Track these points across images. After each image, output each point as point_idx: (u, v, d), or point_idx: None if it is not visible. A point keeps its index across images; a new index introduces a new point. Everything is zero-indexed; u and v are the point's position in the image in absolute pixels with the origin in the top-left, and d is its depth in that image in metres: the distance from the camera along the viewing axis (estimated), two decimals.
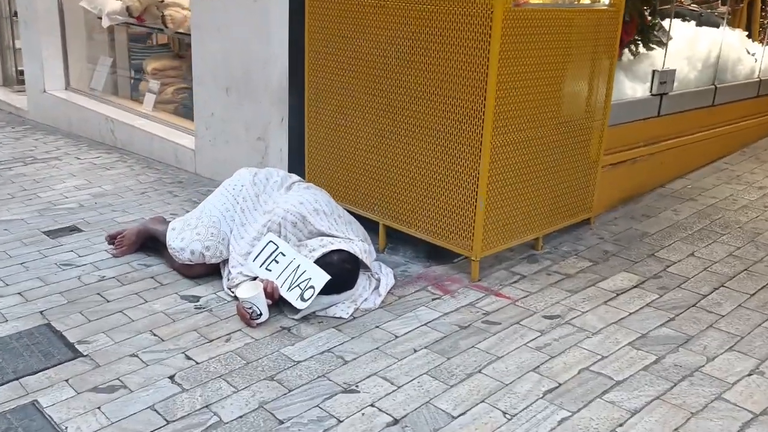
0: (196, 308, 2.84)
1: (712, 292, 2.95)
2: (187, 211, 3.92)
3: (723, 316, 2.76)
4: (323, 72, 3.43)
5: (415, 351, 2.50)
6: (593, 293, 2.93)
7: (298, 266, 2.76)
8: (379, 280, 2.92)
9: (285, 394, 2.26)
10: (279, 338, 2.60)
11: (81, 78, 6.37)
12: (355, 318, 2.75)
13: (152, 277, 3.12)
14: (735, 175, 4.52)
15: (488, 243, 2.99)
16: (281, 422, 2.11)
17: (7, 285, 3.02)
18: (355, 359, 2.45)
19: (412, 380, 2.32)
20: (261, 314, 2.68)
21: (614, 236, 3.54)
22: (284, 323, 2.72)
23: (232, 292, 2.91)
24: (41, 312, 2.80)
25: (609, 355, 2.46)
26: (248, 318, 2.67)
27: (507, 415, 2.14)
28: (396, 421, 2.12)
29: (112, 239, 3.43)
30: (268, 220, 2.95)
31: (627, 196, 4.00)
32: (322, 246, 2.81)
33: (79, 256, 3.34)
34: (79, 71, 6.39)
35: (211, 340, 2.59)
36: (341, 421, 2.12)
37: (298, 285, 2.72)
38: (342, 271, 2.74)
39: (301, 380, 2.33)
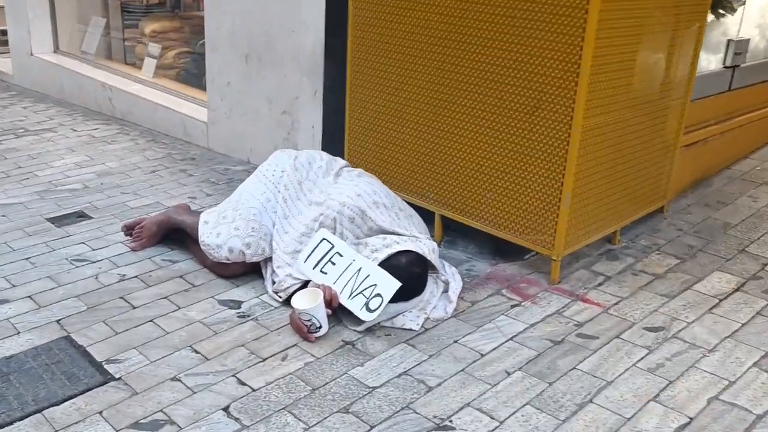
0: (239, 316, 2.47)
1: None
2: (207, 195, 3.54)
3: None
4: (371, 42, 3.02)
5: (509, 374, 2.16)
6: (692, 298, 2.60)
7: (360, 269, 2.39)
8: (447, 283, 2.57)
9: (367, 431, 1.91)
10: (344, 356, 2.25)
11: (71, 40, 5.87)
12: (426, 329, 2.40)
13: (181, 277, 2.74)
14: None
15: (570, 240, 2.64)
16: None
17: (14, 286, 2.63)
18: (439, 385, 2.11)
19: (514, 413, 1.98)
20: (320, 327, 2.31)
21: (693, 227, 3.20)
22: (345, 336, 2.36)
23: (279, 297, 2.54)
24: (58, 321, 2.41)
25: (736, 380, 2.13)
26: (306, 331, 2.31)
27: None
28: None
29: (128, 230, 3.03)
30: (319, 213, 2.57)
31: (696, 180, 3.66)
32: (387, 246, 2.44)
33: (93, 250, 2.94)
34: (68, 33, 5.89)
35: (265, 359, 2.23)
36: None
37: (361, 292, 2.35)
38: (411, 276, 2.38)
39: (382, 413, 1.98)
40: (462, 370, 2.17)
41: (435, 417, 1.97)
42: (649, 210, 3.15)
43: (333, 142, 3.47)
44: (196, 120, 4.41)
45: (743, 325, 2.43)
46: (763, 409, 2.01)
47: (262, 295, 2.61)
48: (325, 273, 2.46)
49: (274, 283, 2.62)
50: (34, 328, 2.37)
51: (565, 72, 2.43)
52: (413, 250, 2.41)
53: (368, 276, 2.36)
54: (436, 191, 2.95)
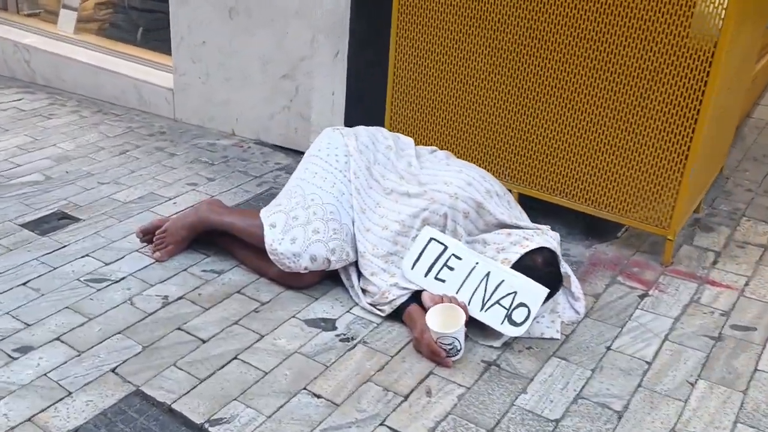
0: (342, 340, 2.06)
1: None
2: (209, 179, 3.03)
3: None
4: None
5: (692, 385, 1.91)
6: None
7: (489, 274, 2.05)
8: (568, 278, 2.27)
9: None
10: (496, 381, 1.91)
11: None
12: (566, 336, 2.11)
13: (240, 293, 2.28)
14: None
15: (680, 216, 2.41)
16: None
17: (29, 325, 2.08)
18: (626, 408, 1.83)
19: None
20: (461, 350, 1.96)
21: (759, 186, 3.09)
22: (482, 355, 2.02)
23: (382, 311, 2.15)
24: (113, 370, 1.92)
25: None
26: (444, 356, 1.95)
27: None
28: None
29: (146, 235, 2.49)
30: (422, 208, 2.18)
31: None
32: (514, 243, 2.10)
33: (105, 264, 2.40)
34: None
35: (406, 396, 1.85)
36: None
37: (497, 302, 2.01)
38: (549, 278, 2.06)
39: None
40: (640, 386, 1.90)
41: None
42: (717, 171, 2.98)
43: (361, 111, 3.03)
44: (157, 86, 3.78)
45: None
46: None
47: (352, 308, 2.21)
48: (443, 281, 2.09)
49: (364, 292, 2.22)
50: (87, 384, 1.86)
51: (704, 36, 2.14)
52: (545, 246, 2.09)
53: (502, 282, 2.02)
54: (514, 167, 2.61)
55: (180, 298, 2.24)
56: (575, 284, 2.25)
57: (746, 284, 2.37)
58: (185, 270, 2.38)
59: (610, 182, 2.44)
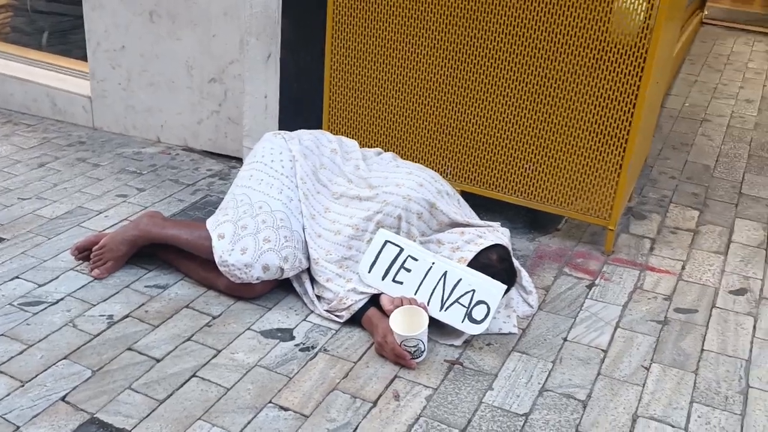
0: (302, 350, 2.03)
1: None
2: (140, 190, 2.94)
3: None
4: None
5: (647, 369, 1.99)
6: (742, 253, 2.60)
7: (446, 273, 2.06)
8: (519, 272, 2.31)
9: None
10: (461, 380, 1.93)
11: None
12: (523, 330, 2.14)
13: (188, 307, 2.20)
14: (710, 88, 4.43)
15: (619, 206, 2.49)
16: None
17: None
18: (590, 397, 1.88)
19: (688, 416, 1.82)
20: (424, 351, 1.96)
21: (681, 173, 3.23)
22: (443, 354, 2.03)
23: (339, 317, 2.13)
24: (63, 399, 1.81)
25: None
26: (409, 358, 1.94)
27: None
28: None
29: (82, 253, 2.37)
30: (375, 211, 2.16)
31: None
32: (468, 242, 2.12)
33: (39, 286, 2.27)
34: None
35: (375, 402, 1.84)
36: None
37: (456, 301, 2.03)
38: (504, 274, 2.09)
39: None
40: (599, 374, 1.96)
41: None
42: (644, 160, 3.11)
43: (296, 114, 2.99)
44: (73, 94, 3.61)
45: None
46: None
47: (308, 316, 2.18)
48: (401, 283, 2.08)
49: (320, 299, 2.19)
50: (36, 416, 1.76)
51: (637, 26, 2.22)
52: (498, 242, 2.12)
53: (460, 281, 2.04)
54: (456, 166, 2.64)
55: (126, 316, 2.14)
56: (526, 278, 2.30)
57: (683, 268, 2.48)
58: (128, 287, 2.28)
59: (551, 176, 2.50)
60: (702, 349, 2.08)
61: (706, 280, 2.42)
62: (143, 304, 2.20)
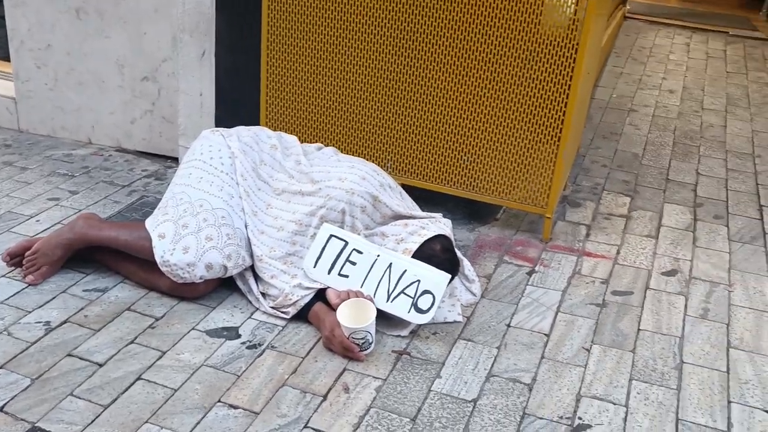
0: (249, 348, 2.01)
1: (759, 211, 2.93)
2: (72, 192, 2.87)
3: None
4: None
5: (588, 350, 2.05)
6: (671, 236, 2.71)
7: (391, 265, 2.08)
8: (461, 261, 2.34)
9: None
10: (410, 370, 1.95)
11: None
12: (467, 318, 2.18)
13: (130, 309, 2.16)
14: (635, 79, 4.58)
15: (555, 194, 2.56)
16: None
17: None
18: (535, 380, 1.93)
19: (628, 393, 1.89)
20: (372, 343, 1.98)
21: (612, 161, 3.34)
22: (391, 345, 2.05)
23: (286, 313, 2.12)
24: (2, 410, 1.76)
25: None
26: (357, 351, 1.95)
27: None
28: None
29: (14, 258, 2.30)
30: (318, 206, 2.16)
31: None
32: (412, 233, 2.14)
33: None
34: None
35: (325, 396, 1.84)
36: None
37: (402, 292, 2.05)
38: (448, 263, 2.13)
39: (506, 427, 1.75)
40: (543, 357, 2.01)
41: (561, 418, 1.80)
42: (576, 150, 3.20)
43: (233, 111, 2.95)
44: None
45: (729, 254, 2.60)
46: None
47: (253, 314, 2.16)
48: (347, 276, 2.09)
49: (265, 296, 2.17)
50: None
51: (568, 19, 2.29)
52: (441, 233, 2.15)
53: (405, 272, 2.06)
54: (395, 159, 2.66)
55: (64, 322, 2.08)
56: (468, 267, 2.34)
57: (618, 252, 2.57)
58: (64, 292, 2.22)
59: (488, 167, 2.55)
60: (638, 329, 2.16)
61: (639, 263, 2.51)
62: (82, 309, 2.14)
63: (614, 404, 1.86)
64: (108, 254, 2.29)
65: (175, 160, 3.18)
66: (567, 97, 2.38)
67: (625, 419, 1.81)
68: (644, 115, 3.96)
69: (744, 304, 2.31)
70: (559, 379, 1.94)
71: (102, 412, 1.76)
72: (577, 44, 2.30)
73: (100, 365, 1.92)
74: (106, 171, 3.08)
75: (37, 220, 2.63)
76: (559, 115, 2.40)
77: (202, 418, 1.75)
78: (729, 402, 1.89)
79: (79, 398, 1.79)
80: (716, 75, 4.78)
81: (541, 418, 1.80)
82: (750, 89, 4.52)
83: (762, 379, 1.98)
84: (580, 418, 1.80)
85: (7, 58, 3.43)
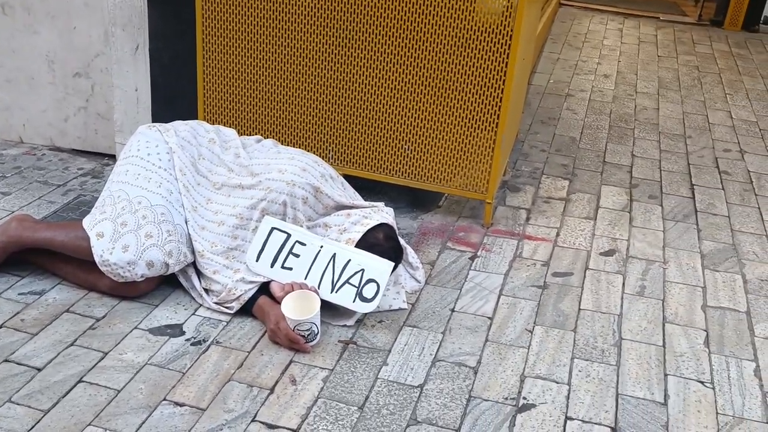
0: (193, 344, 1.99)
1: (691, 190, 3.02)
2: (2, 194, 2.76)
3: (725, 215, 2.85)
4: None
5: (531, 332, 2.09)
6: (609, 216, 2.78)
7: (334, 256, 2.08)
8: (404, 249, 2.36)
9: None
10: (356, 359, 1.96)
11: None
12: (412, 305, 2.20)
13: (69, 311, 2.11)
14: (572, 65, 4.67)
15: (494, 180, 2.60)
16: None
17: None
18: (480, 363, 1.96)
19: (570, 371, 1.94)
20: (318, 334, 1.98)
21: (550, 146, 3.40)
22: (338, 335, 2.05)
23: (229, 308, 2.10)
24: None
25: (705, 285, 2.36)
26: (302, 343, 1.95)
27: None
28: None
29: None
30: (259, 199, 2.15)
31: None
32: (355, 223, 2.14)
33: None
34: None
35: (272, 389, 1.84)
36: None
37: (346, 282, 2.06)
38: (392, 252, 2.14)
39: (452, 411, 1.78)
40: (487, 340, 2.05)
41: (507, 399, 1.83)
42: (515, 135, 3.24)
43: (170, 105, 2.90)
44: None
45: (663, 232, 2.68)
46: (743, 306, 2.26)
47: (197, 310, 2.13)
48: (290, 269, 2.08)
49: (208, 292, 2.15)
50: None
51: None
52: (384, 222, 2.16)
53: (349, 261, 2.06)
54: (336, 149, 2.65)
55: (1, 327, 2.02)
56: (411, 254, 2.35)
57: (557, 235, 2.63)
58: (0, 296, 2.15)
59: (429, 155, 2.57)
60: (579, 309, 2.21)
61: (578, 244, 2.57)
62: (18, 313, 2.08)
63: (557, 383, 1.90)
64: (44, 256, 2.22)
65: (113, 157, 3.11)
66: (503, 84, 2.41)
67: (568, 397, 1.85)
68: (581, 99, 4.04)
69: (678, 280, 2.39)
70: (503, 361, 1.97)
71: (42, 417, 1.71)
72: (512, 31, 2.34)
73: (39, 369, 1.87)
74: (40, 171, 2.99)
75: None
76: (497, 102, 2.44)
77: (148, 417, 1.73)
78: (665, 375, 1.95)
79: (18, 404, 1.75)
80: (648, 59, 4.90)
81: (486, 400, 1.83)
82: (680, 72, 4.66)
83: (696, 352, 2.05)
84: (524, 398, 1.84)
85: None
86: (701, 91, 4.31)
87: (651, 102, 4.08)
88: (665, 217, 2.80)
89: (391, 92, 2.51)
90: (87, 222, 2.13)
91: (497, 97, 2.43)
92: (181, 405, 1.77)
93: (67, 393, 1.79)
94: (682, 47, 5.29)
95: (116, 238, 2.06)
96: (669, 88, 4.33)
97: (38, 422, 1.70)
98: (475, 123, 2.48)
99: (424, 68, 2.45)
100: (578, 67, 4.62)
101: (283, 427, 1.72)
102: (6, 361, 1.89)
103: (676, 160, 3.32)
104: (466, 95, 2.45)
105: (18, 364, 1.88)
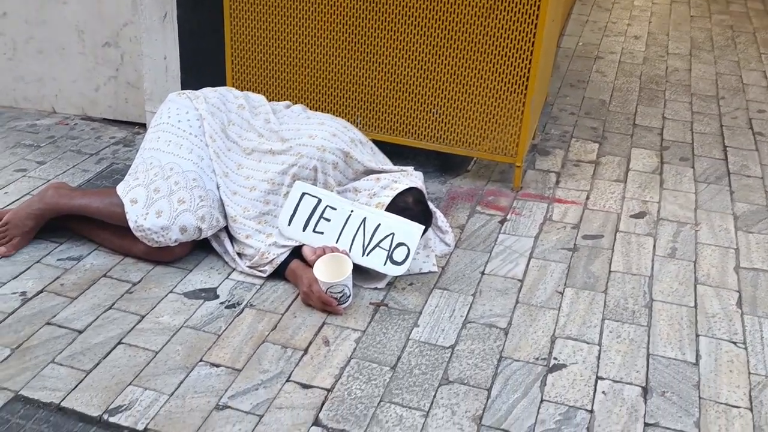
0: (228, 307, 2.03)
1: (724, 152, 2.98)
2: (39, 163, 2.84)
3: (758, 176, 2.81)
4: None
5: (561, 294, 2.10)
6: (639, 179, 2.75)
7: (365, 220, 2.09)
8: (434, 213, 2.36)
9: (491, 399, 1.73)
10: (388, 321, 1.98)
11: None
12: (442, 268, 2.21)
13: (106, 276, 2.15)
14: (601, 26, 4.59)
15: (524, 143, 2.58)
16: None
17: None
18: (510, 324, 1.97)
19: (601, 332, 1.94)
20: (350, 296, 2.00)
21: (580, 109, 3.37)
22: (369, 297, 2.08)
23: (263, 271, 2.14)
24: None
25: (738, 247, 2.35)
26: (336, 305, 1.98)
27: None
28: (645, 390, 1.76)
29: None
30: (290, 165, 2.16)
31: None
32: (385, 187, 2.15)
33: None
34: None
35: (305, 350, 1.87)
36: (592, 412, 1.69)
37: (377, 245, 2.07)
38: (421, 215, 2.15)
39: (483, 371, 1.80)
40: (517, 302, 2.06)
41: (537, 359, 1.85)
42: (544, 98, 3.21)
43: (199, 73, 2.91)
44: None
45: (695, 194, 2.66)
46: None
47: (230, 274, 2.17)
48: (321, 233, 2.11)
49: (241, 256, 2.18)
50: None
51: None
52: (413, 186, 2.16)
53: (379, 225, 2.08)
54: (365, 114, 2.65)
55: (40, 291, 2.07)
56: (441, 219, 2.36)
57: (587, 198, 2.61)
58: (38, 262, 2.20)
59: (457, 119, 2.56)
60: (609, 271, 2.21)
61: (609, 207, 2.56)
62: (58, 278, 2.13)
63: (588, 343, 1.91)
64: (80, 222, 2.27)
65: (143, 126, 3.14)
66: (532, 46, 2.38)
67: (598, 357, 1.86)
68: (611, 61, 3.98)
69: (710, 242, 2.37)
70: (534, 323, 1.98)
71: (84, 377, 1.77)
72: None
73: (80, 332, 1.92)
74: (73, 140, 3.04)
75: (5, 192, 2.60)
76: (526, 64, 2.41)
77: (185, 377, 1.77)
78: (697, 335, 1.95)
79: (61, 365, 1.80)
80: (680, 20, 4.80)
81: (517, 360, 1.85)
82: (713, 32, 4.56)
83: (728, 313, 2.04)
84: (555, 359, 1.85)
85: None
86: (735, 51, 4.22)
87: (683, 63, 4.00)
88: (697, 179, 2.77)
89: (420, 56, 2.50)
90: (121, 189, 2.17)
91: (526, 60, 2.41)
92: (218, 366, 1.81)
93: (108, 354, 1.84)
94: (715, 6, 5.16)
95: (150, 203, 2.10)
96: (702, 49, 4.24)
97: (81, 382, 1.75)
98: (505, 86, 2.46)
99: (452, 31, 2.43)
100: (608, 29, 4.54)
101: (318, 387, 1.75)
102: (48, 324, 1.94)
103: (708, 122, 3.27)
104: (495, 57, 2.43)
105: (60, 326, 1.94)
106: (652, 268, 2.22)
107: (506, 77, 2.45)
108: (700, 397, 1.75)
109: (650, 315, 2.02)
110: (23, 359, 1.82)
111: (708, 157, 2.95)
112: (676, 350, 1.89)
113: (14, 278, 2.12)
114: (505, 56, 2.42)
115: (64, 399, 1.70)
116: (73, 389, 1.73)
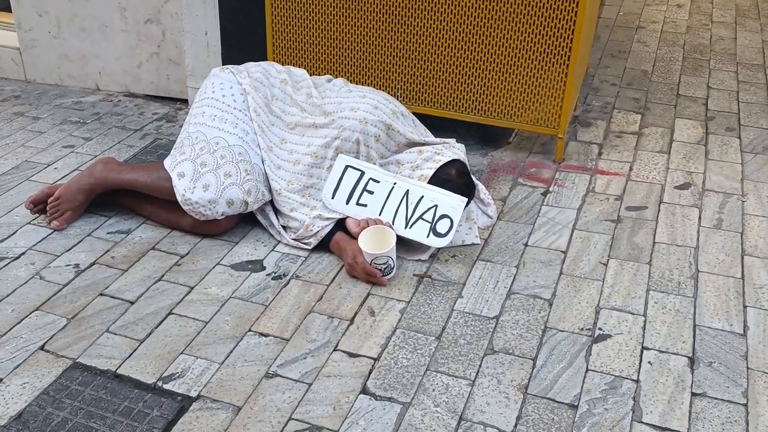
0: (274, 279, 2.06)
1: None
2: (86, 139, 2.89)
3: None
4: None
5: (605, 265, 2.09)
6: (683, 150, 2.72)
7: (408, 192, 2.11)
8: (476, 186, 2.37)
9: (537, 368, 1.74)
10: (432, 292, 2.00)
11: None
12: (485, 240, 2.22)
13: (155, 248, 2.21)
14: None
15: (566, 115, 2.56)
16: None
17: None
18: (554, 295, 1.98)
19: (646, 303, 1.94)
20: (394, 267, 2.02)
21: (621, 80, 3.32)
22: (412, 269, 2.10)
23: (308, 244, 2.17)
24: (42, 348, 1.82)
25: None
26: (379, 276, 2.00)
27: None
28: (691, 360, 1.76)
29: (38, 206, 2.34)
30: (333, 138, 2.18)
31: None
32: (427, 159, 2.16)
33: None
34: None
35: (351, 320, 1.90)
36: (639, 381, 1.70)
37: (420, 217, 2.09)
38: (464, 188, 2.15)
39: (527, 341, 1.81)
40: (561, 274, 2.06)
41: (582, 330, 1.85)
42: (585, 69, 3.18)
43: (240, 48, 2.94)
44: (1, 47, 3.45)
45: (742, 164, 2.62)
46: None
47: (276, 246, 2.21)
48: (365, 205, 2.13)
49: (286, 228, 2.22)
50: (17, 366, 1.76)
51: None
52: (456, 158, 2.17)
53: (422, 197, 2.09)
54: (405, 87, 2.65)
55: (93, 264, 2.13)
56: (483, 191, 2.36)
57: (630, 169, 2.59)
58: (89, 235, 2.26)
59: (498, 91, 2.54)
60: (654, 242, 2.19)
61: (652, 178, 2.53)
62: (108, 251, 2.19)
63: (633, 314, 1.91)
64: (128, 196, 2.33)
65: (185, 101, 3.19)
66: (575, 16, 2.35)
67: (644, 328, 1.86)
68: (652, 31, 3.91)
69: (758, 213, 2.33)
70: (578, 294, 1.98)
71: (138, 346, 1.82)
72: None
73: (132, 303, 1.97)
74: (117, 116, 3.09)
75: (55, 168, 2.67)
76: (568, 35, 2.38)
77: (235, 347, 1.82)
78: (745, 306, 1.93)
79: (115, 334, 1.86)
80: None
81: (562, 331, 1.85)
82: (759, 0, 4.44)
83: None
84: (600, 329, 1.86)
85: (8, 9, 3.40)
86: None
87: (728, 32, 3.91)
88: (743, 149, 2.72)
89: (460, 28, 2.49)
90: (168, 163, 2.21)
91: (568, 30, 2.38)
92: (266, 335, 1.85)
93: (159, 324, 1.89)
94: None
95: (197, 177, 2.14)
96: (747, 17, 4.13)
97: (135, 350, 1.81)
98: (546, 57, 2.44)
99: (494, 2, 2.41)
100: None
101: (365, 356, 1.78)
102: (101, 294, 2.00)
103: (755, 91, 3.20)
104: (536, 28, 2.41)
105: (112, 297, 1.99)
106: (698, 239, 2.20)
107: (548, 48, 2.42)
108: (748, 368, 1.74)
109: (696, 286, 2.00)
110: (79, 328, 1.88)
111: (755, 126, 2.90)
112: (723, 321, 1.88)
113: (67, 251, 2.19)
114: (547, 27, 2.39)
115: (119, 367, 1.76)
116: (128, 357, 1.79)
